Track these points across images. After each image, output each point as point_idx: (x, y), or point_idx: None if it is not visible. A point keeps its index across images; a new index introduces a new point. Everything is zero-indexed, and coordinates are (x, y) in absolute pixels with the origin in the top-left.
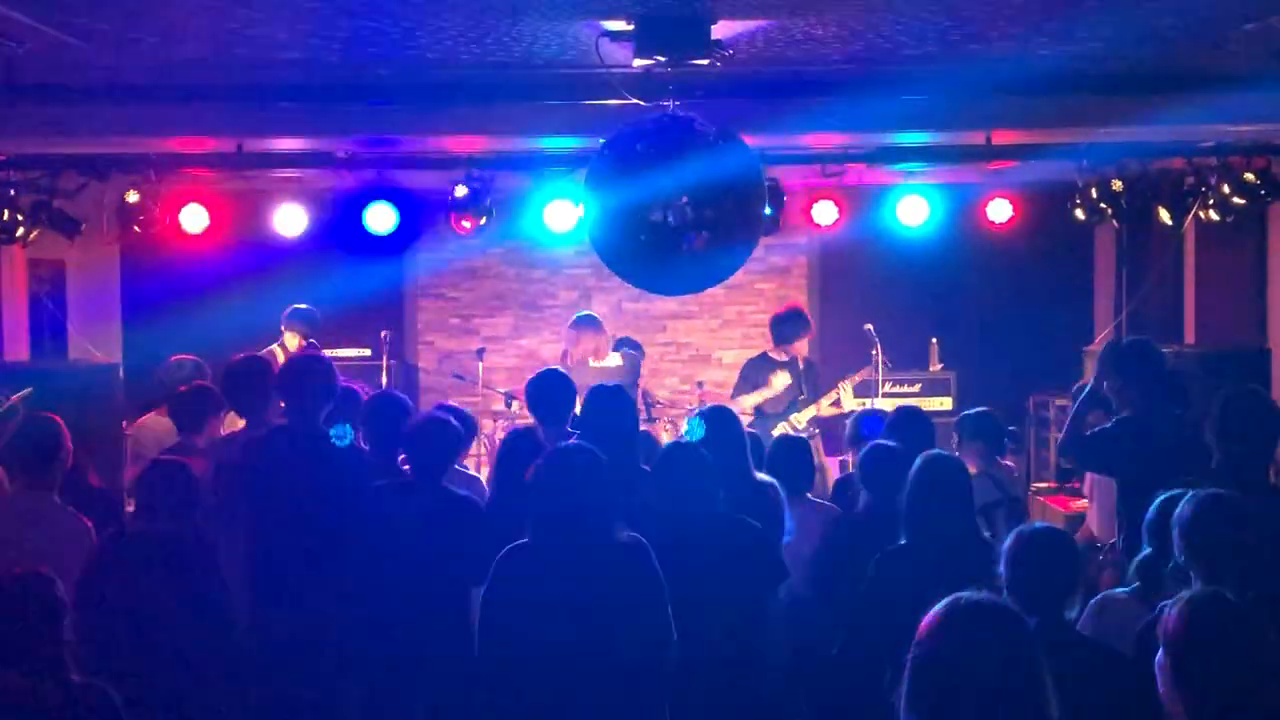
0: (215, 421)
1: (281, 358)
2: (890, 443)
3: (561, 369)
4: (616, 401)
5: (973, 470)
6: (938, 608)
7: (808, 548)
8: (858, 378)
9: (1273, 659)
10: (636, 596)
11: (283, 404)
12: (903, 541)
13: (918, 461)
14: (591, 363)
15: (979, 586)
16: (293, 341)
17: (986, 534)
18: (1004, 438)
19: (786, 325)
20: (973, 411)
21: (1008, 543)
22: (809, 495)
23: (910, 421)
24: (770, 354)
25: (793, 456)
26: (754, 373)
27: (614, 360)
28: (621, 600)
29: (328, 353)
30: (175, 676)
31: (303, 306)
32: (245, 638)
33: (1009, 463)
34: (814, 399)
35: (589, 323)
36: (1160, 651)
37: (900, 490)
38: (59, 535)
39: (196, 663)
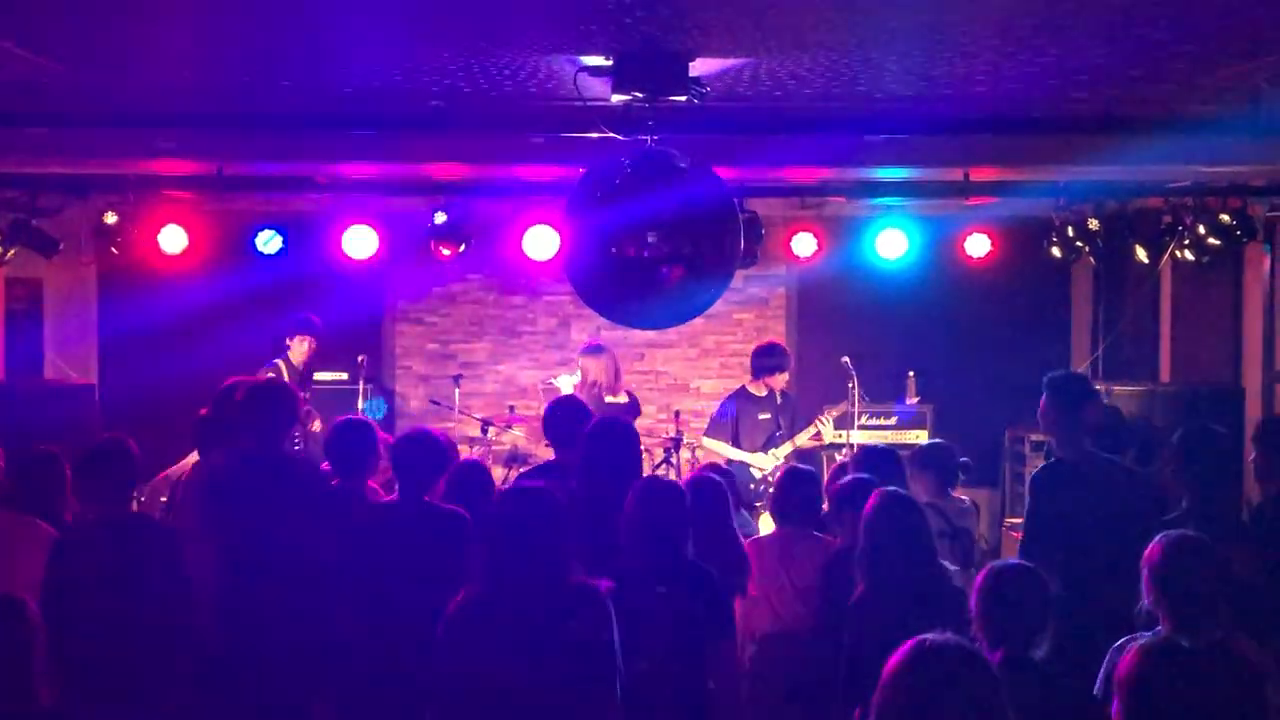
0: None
1: (285, 371)
2: (865, 476)
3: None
4: (627, 442)
5: (921, 500)
6: (902, 650)
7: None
8: (837, 411)
9: (1221, 708)
10: (586, 649)
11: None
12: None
13: (871, 502)
14: (607, 399)
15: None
16: (300, 348)
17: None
18: (956, 470)
19: (767, 359)
20: (927, 443)
21: (979, 577)
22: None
23: (875, 459)
24: (749, 388)
25: (800, 489)
26: (730, 411)
27: (622, 397)
28: (571, 650)
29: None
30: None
31: (305, 317)
32: (216, 665)
33: (961, 496)
34: (790, 435)
35: (599, 352)
36: (1115, 695)
37: None
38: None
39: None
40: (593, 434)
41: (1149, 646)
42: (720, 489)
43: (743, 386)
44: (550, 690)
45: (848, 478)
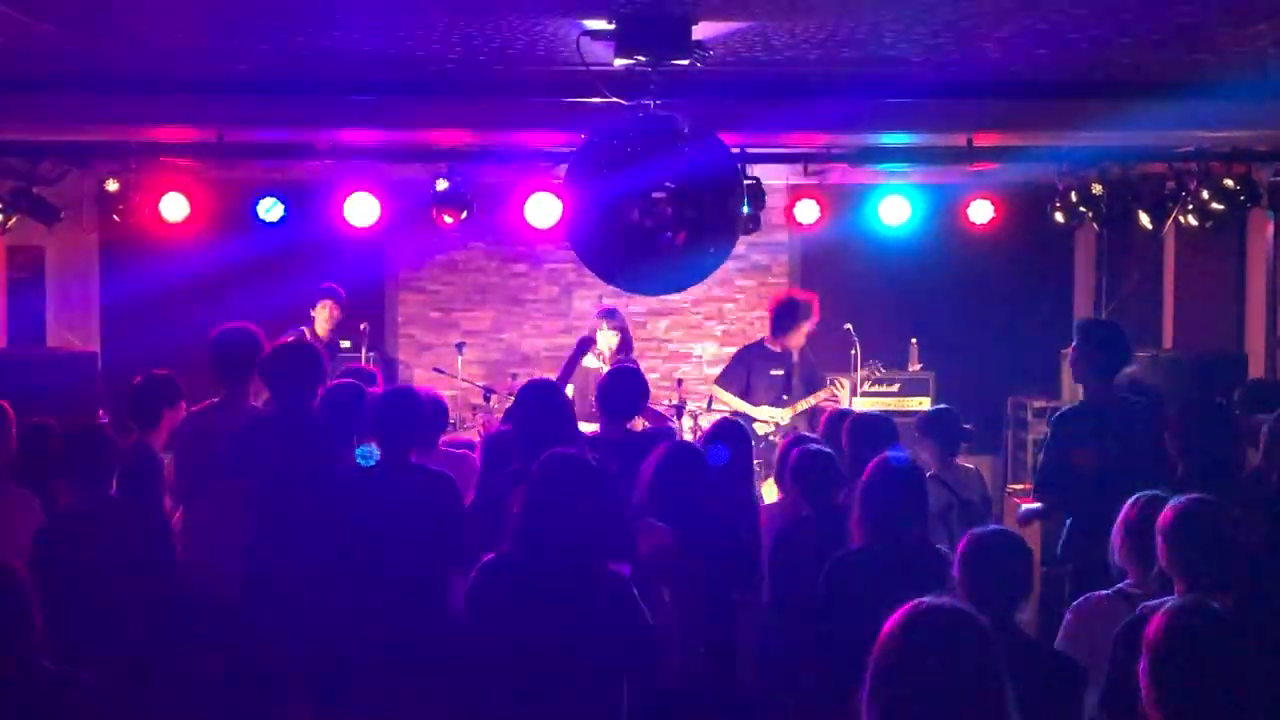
0: (172, 414)
1: (309, 338)
2: (824, 447)
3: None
4: (549, 399)
5: (927, 468)
6: (899, 613)
7: None
8: (857, 377)
9: (1252, 669)
10: (619, 634)
11: (268, 392)
12: (855, 546)
13: (871, 466)
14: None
15: (937, 592)
16: (322, 315)
17: (944, 542)
18: (958, 438)
19: (782, 319)
20: (932, 409)
21: (961, 545)
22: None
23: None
24: (766, 343)
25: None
26: (745, 365)
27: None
28: (600, 636)
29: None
30: (133, 654)
31: (329, 285)
32: (230, 623)
33: (966, 463)
34: (802, 395)
35: (607, 316)
36: (1142, 657)
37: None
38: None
39: (153, 638)
40: (520, 394)
41: (1177, 608)
42: (743, 437)
43: (761, 340)
44: (572, 657)
45: (804, 448)
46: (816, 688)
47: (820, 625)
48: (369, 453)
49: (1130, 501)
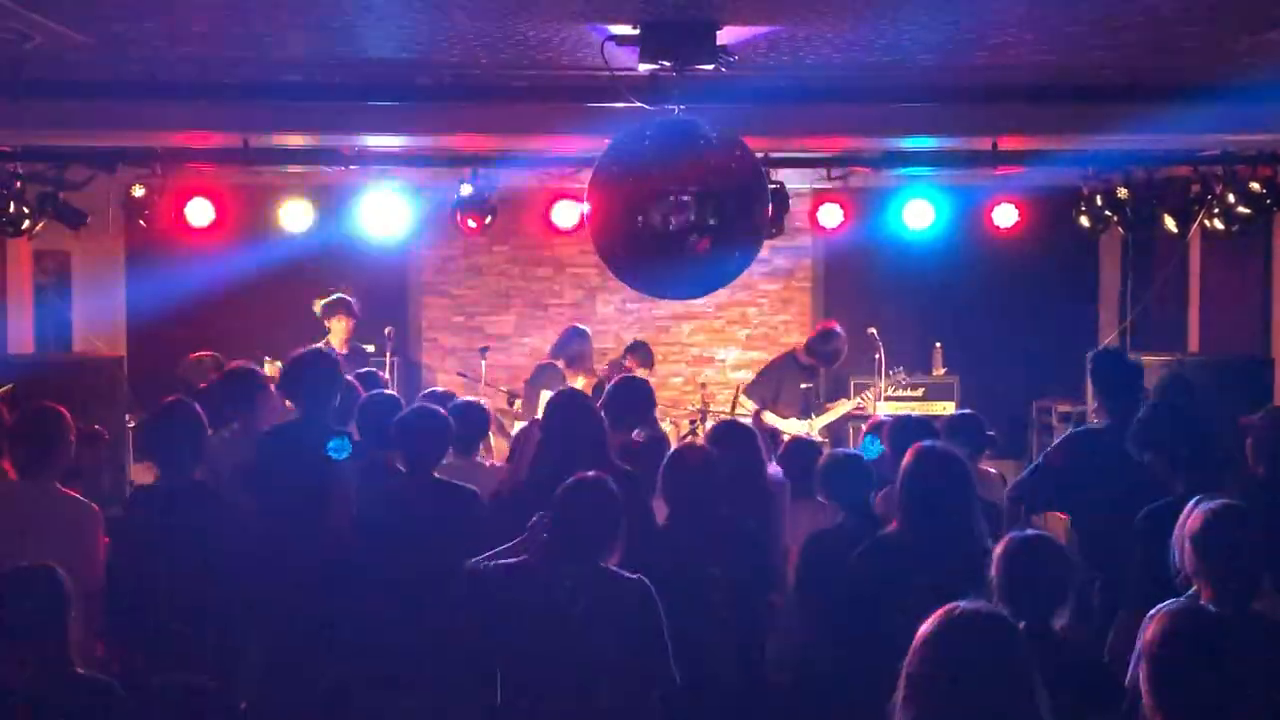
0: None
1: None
2: (852, 451)
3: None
4: (579, 410)
5: None
6: (933, 618)
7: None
8: (880, 386)
9: (1249, 674)
10: (632, 636)
11: (287, 401)
12: (891, 529)
13: (910, 453)
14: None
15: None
16: (338, 327)
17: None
18: (983, 442)
19: (820, 351)
20: (956, 413)
21: (999, 548)
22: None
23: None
24: (799, 357)
25: (803, 459)
26: (776, 377)
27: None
28: (613, 637)
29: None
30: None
31: (339, 295)
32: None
33: (989, 468)
34: (825, 402)
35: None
36: (1141, 662)
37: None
38: (65, 522)
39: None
40: (549, 408)
41: (1173, 612)
42: (750, 438)
43: (793, 352)
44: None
45: (832, 452)
46: (846, 686)
47: (850, 613)
48: (340, 446)
49: (1192, 505)
